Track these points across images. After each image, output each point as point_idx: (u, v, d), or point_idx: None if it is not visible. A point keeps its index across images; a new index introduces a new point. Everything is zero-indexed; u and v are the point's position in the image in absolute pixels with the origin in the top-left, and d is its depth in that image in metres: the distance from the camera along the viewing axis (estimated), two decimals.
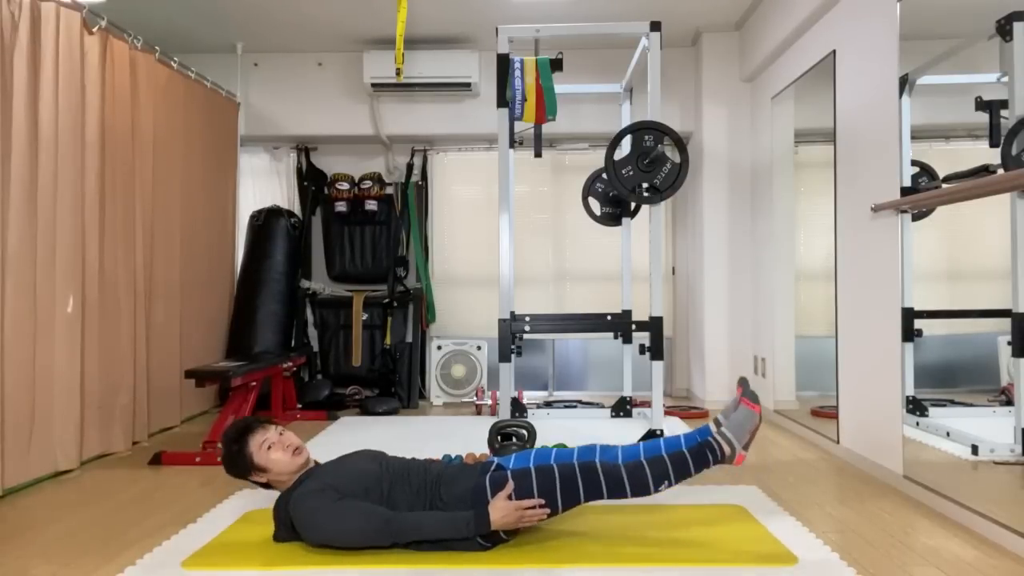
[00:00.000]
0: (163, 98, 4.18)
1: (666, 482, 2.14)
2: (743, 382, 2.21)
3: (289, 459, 2.27)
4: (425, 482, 2.27)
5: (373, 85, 5.14)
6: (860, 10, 3.34)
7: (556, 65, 3.79)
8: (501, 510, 2.11)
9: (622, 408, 4.58)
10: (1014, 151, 2.29)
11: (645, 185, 3.43)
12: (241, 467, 2.28)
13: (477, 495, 2.19)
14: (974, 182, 2.41)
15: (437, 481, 2.27)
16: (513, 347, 3.70)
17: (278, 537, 2.28)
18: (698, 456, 2.16)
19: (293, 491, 2.22)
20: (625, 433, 4.02)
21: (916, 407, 2.88)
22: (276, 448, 2.27)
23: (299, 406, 4.79)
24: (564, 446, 3.42)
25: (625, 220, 4.66)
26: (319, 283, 5.50)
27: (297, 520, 2.17)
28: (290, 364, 4.56)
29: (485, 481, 2.21)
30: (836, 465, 3.40)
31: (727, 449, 2.15)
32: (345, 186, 5.40)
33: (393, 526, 2.10)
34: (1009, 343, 2.32)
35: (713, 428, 2.19)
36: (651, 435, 3.49)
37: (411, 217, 5.50)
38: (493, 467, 2.32)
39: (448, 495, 2.21)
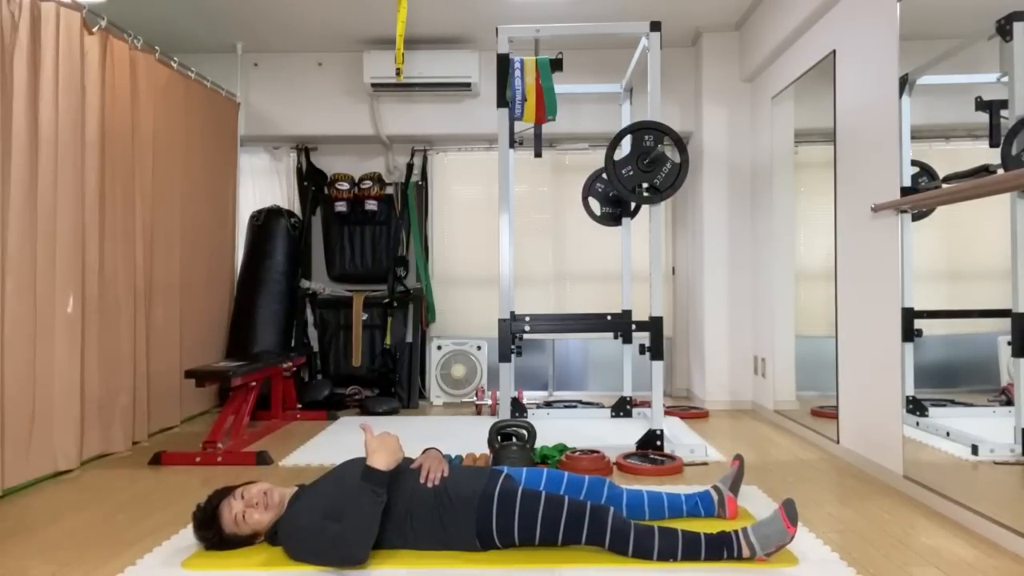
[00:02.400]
0: (163, 98, 4.18)
1: (671, 559, 2.09)
2: (789, 503, 2.17)
3: (265, 512, 2.23)
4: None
5: (373, 85, 5.14)
6: (860, 10, 3.34)
7: (556, 65, 3.79)
8: (376, 448, 2.15)
9: (622, 408, 4.58)
10: (1014, 151, 2.29)
11: (645, 185, 3.42)
12: (237, 544, 2.24)
13: (484, 501, 2.18)
14: (974, 182, 2.41)
15: (443, 480, 2.26)
16: (513, 347, 3.70)
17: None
18: (713, 548, 2.10)
19: (281, 520, 2.22)
20: (625, 432, 4.02)
21: (916, 407, 2.88)
22: (249, 514, 2.21)
23: (299, 406, 4.79)
24: (564, 446, 3.44)
25: (625, 220, 4.66)
26: (319, 283, 5.50)
27: (284, 547, 2.19)
28: (290, 364, 4.56)
29: (495, 490, 2.20)
30: (836, 465, 3.40)
31: (747, 552, 2.10)
32: (345, 186, 5.40)
33: (343, 546, 2.05)
34: (1009, 343, 2.32)
35: (740, 533, 2.11)
36: (651, 435, 3.50)
37: (411, 217, 5.50)
38: (503, 476, 2.30)
39: (455, 494, 2.20)
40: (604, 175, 4.51)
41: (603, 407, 4.69)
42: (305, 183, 5.56)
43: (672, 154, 3.50)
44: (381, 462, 2.14)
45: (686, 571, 2.08)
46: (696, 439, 3.88)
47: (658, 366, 3.56)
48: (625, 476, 3.19)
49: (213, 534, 2.22)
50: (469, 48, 5.25)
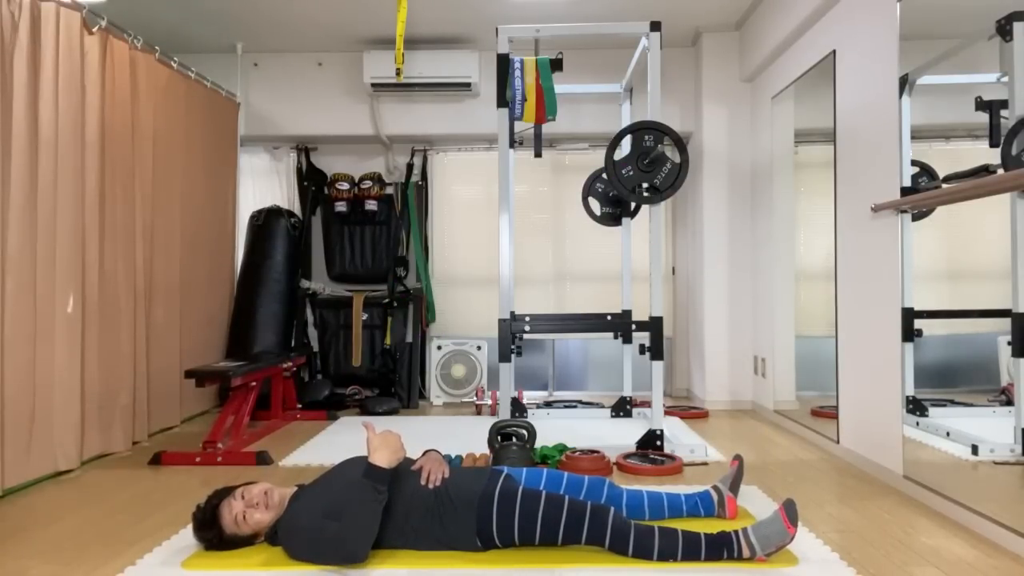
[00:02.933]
0: (163, 98, 4.18)
1: (671, 559, 2.09)
2: (790, 503, 2.18)
3: (266, 512, 2.23)
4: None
5: (373, 85, 5.14)
6: (860, 10, 3.34)
7: (556, 65, 3.79)
8: (378, 446, 2.15)
9: (622, 408, 4.58)
10: (1014, 151, 2.29)
11: (645, 185, 3.42)
12: (237, 544, 2.25)
13: (484, 501, 2.18)
14: (974, 182, 2.41)
15: (443, 481, 2.26)
16: (513, 347, 3.70)
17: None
18: (713, 548, 2.10)
19: (281, 520, 2.22)
20: (625, 432, 4.02)
21: (916, 407, 2.88)
22: (250, 514, 2.21)
23: (299, 406, 4.79)
24: (564, 446, 3.44)
25: (625, 220, 4.66)
26: (319, 283, 5.50)
27: (284, 547, 2.19)
28: (290, 364, 4.56)
29: (495, 490, 2.19)
30: (836, 465, 3.40)
31: (747, 552, 2.10)
32: (345, 186, 5.40)
33: (343, 545, 2.05)
34: (1009, 343, 2.32)
35: (740, 533, 2.12)
36: (651, 435, 3.50)
37: (411, 217, 5.50)
38: (503, 476, 2.29)
39: (456, 494, 2.20)
40: (604, 175, 4.51)
41: (603, 407, 4.69)
42: (305, 183, 5.56)
43: (672, 154, 3.50)
44: (383, 459, 2.14)
45: (686, 571, 2.08)
46: (696, 439, 3.88)
47: (658, 366, 3.56)
48: (625, 476, 3.19)
49: (214, 535, 2.22)
50: (469, 48, 5.25)
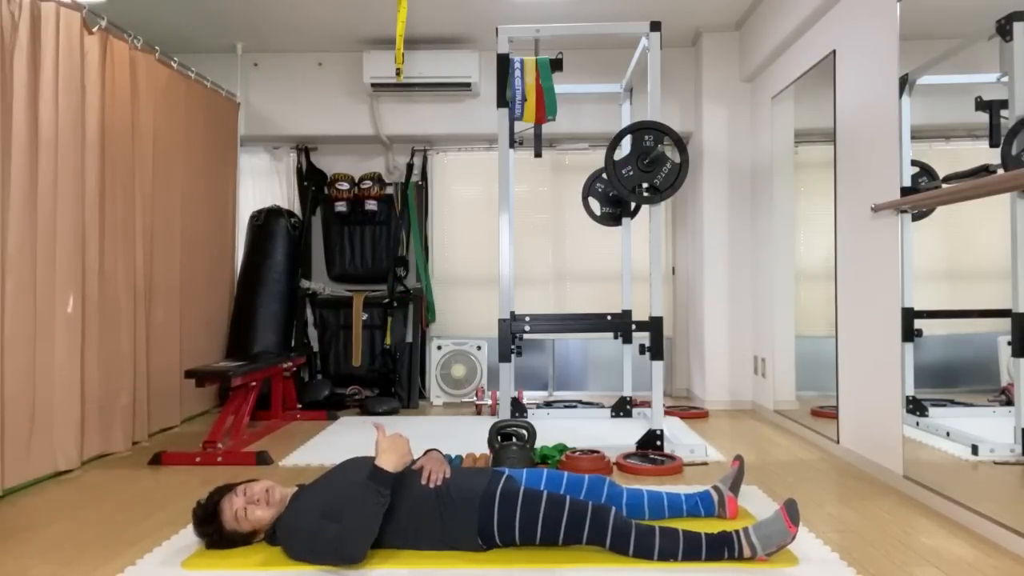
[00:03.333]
0: (163, 98, 4.18)
1: (672, 558, 2.09)
2: (791, 503, 2.18)
3: (266, 509, 2.23)
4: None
5: (373, 85, 5.14)
6: (860, 10, 3.34)
7: (556, 65, 3.79)
8: (386, 448, 2.15)
9: (622, 408, 4.58)
10: (1014, 151, 2.29)
11: (645, 185, 3.42)
12: (237, 542, 2.25)
13: (485, 501, 2.18)
14: (974, 182, 2.41)
15: (444, 481, 2.26)
16: (513, 347, 3.70)
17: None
18: (714, 548, 2.10)
19: (280, 519, 2.22)
20: (625, 432, 4.02)
21: (916, 407, 2.88)
22: (250, 510, 2.21)
23: (299, 406, 4.79)
24: (564, 446, 3.44)
25: (625, 220, 4.66)
26: (319, 283, 5.50)
27: (283, 546, 2.19)
28: (290, 364, 4.56)
29: (496, 491, 2.20)
30: (836, 465, 3.40)
31: (748, 552, 2.10)
32: (345, 186, 5.40)
33: (342, 545, 2.06)
34: (1009, 343, 2.32)
35: (741, 533, 2.12)
36: (651, 435, 3.50)
37: (411, 217, 5.50)
38: (504, 477, 2.30)
39: (457, 494, 2.20)
40: (604, 175, 4.51)
41: (603, 407, 4.69)
42: (305, 183, 5.56)
43: (672, 154, 3.50)
44: (390, 463, 2.13)
45: (687, 571, 2.08)
46: (696, 439, 3.88)
47: (658, 366, 3.56)
48: (625, 476, 3.19)
49: (213, 530, 2.22)
50: (469, 48, 5.25)
